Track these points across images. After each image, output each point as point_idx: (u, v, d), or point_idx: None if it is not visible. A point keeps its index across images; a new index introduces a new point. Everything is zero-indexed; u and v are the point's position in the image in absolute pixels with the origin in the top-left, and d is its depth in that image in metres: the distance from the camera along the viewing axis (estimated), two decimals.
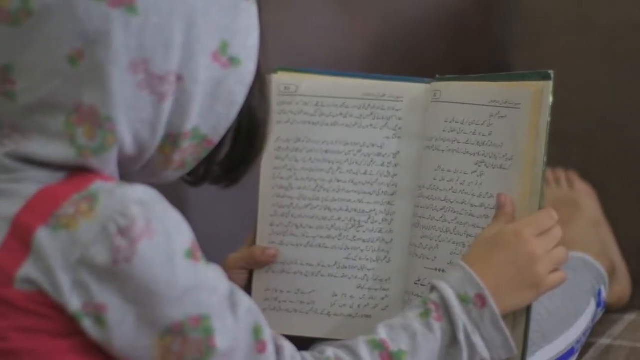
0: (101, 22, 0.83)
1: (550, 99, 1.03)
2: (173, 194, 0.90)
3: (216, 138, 0.92)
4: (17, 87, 0.85)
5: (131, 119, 0.86)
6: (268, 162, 1.14)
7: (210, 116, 0.90)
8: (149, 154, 0.89)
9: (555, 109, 1.03)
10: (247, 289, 1.14)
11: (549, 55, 1.73)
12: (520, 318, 1.01)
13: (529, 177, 1.04)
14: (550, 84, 1.03)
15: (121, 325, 0.83)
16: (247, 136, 0.95)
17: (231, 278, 0.91)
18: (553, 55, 1.72)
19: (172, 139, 0.89)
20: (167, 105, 0.87)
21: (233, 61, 0.89)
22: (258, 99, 0.94)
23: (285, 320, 1.13)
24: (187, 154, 0.91)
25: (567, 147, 1.56)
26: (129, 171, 0.90)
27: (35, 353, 0.83)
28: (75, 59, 0.84)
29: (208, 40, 0.88)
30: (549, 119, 1.03)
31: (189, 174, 0.96)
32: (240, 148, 0.96)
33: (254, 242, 1.16)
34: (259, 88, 0.94)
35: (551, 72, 1.04)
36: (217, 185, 0.99)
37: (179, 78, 0.87)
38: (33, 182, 0.85)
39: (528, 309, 1.01)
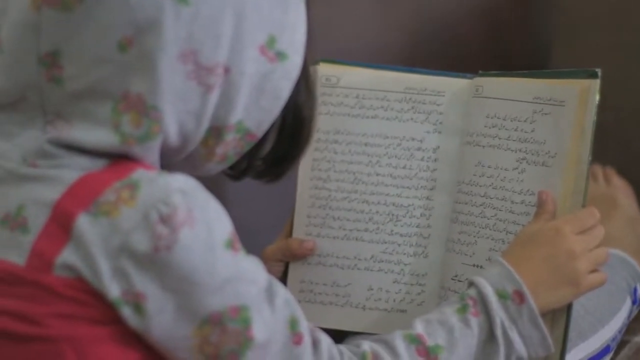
0: (153, 11, 0.83)
1: (597, 97, 1.02)
2: (212, 185, 0.90)
3: (259, 133, 0.91)
4: (64, 72, 0.85)
5: (178, 109, 0.85)
6: (307, 153, 1.13)
7: (255, 110, 0.90)
8: (192, 146, 0.89)
9: None
10: (283, 280, 1.14)
11: (586, 50, 1.71)
12: (560, 317, 1.01)
13: (572, 175, 1.03)
14: (597, 83, 1.02)
15: (160, 314, 0.83)
16: (291, 132, 0.95)
17: (267, 269, 0.91)
18: (591, 50, 1.71)
19: (216, 132, 0.89)
20: (214, 97, 0.87)
21: (280, 56, 0.89)
22: (304, 95, 0.94)
23: (319, 313, 1.13)
24: (230, 148, 0.91)
25: (604, 143, 1.54)
26: (170, 162, 0.90)
27: (73, 340, 0.83)
28: (125, 46, 0.84)
29: (256, 33, 0.87)
30: (595, 118, 1.02)
31: (230, 168, 0.96)
32: (284, 144, 0.96)
33: (290, 233, 1.15)
34: (305, 84, 0.93)
35: (598, 70, 1.03)
36: (259, 180, 0.98)
37: (227, 70, 0.86)
38: (75, 169, 0.85)
39: (568, 309, 1.01)
